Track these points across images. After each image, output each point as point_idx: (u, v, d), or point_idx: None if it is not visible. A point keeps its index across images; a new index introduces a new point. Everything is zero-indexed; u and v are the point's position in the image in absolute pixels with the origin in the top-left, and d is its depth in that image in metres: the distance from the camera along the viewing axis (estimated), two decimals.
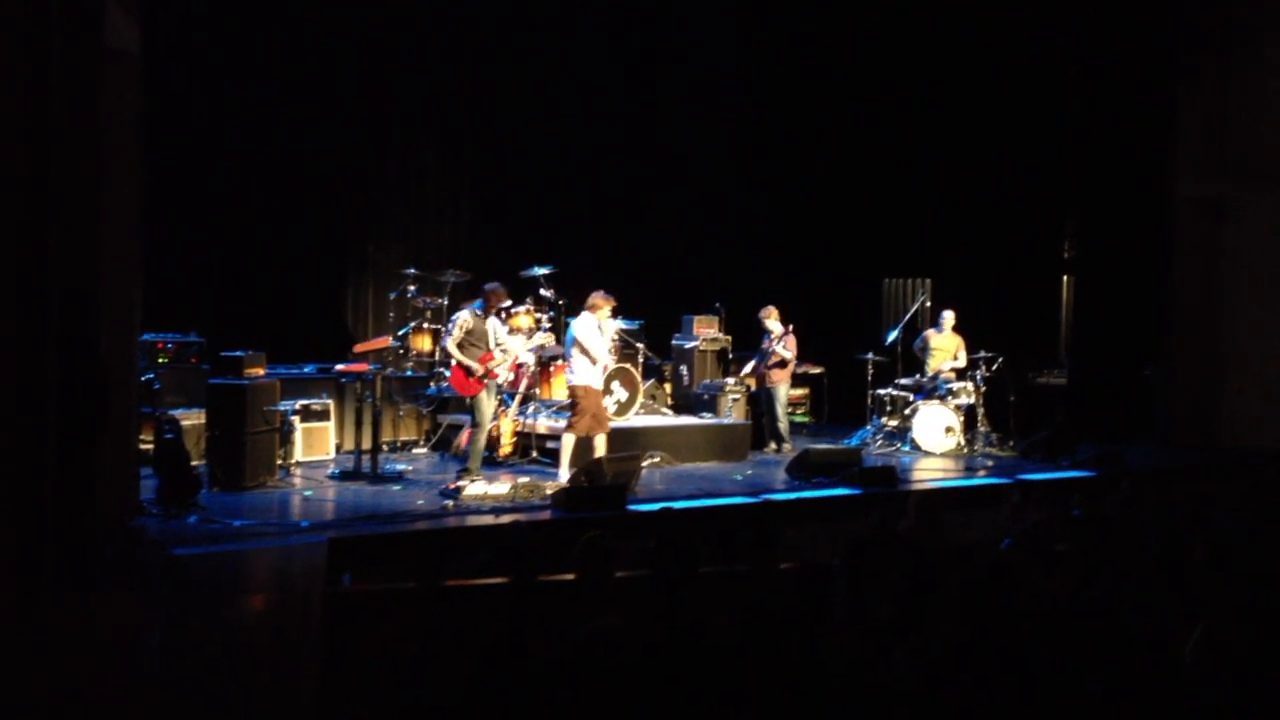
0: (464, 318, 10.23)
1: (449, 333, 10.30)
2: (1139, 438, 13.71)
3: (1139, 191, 14.20)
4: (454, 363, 10.21)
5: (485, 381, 10.11)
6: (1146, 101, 14.06)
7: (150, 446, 9.47)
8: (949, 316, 13.03)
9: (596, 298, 10.29)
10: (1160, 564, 5.78)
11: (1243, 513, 8.09)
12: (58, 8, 6.51)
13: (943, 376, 12.72)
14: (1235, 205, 13.67)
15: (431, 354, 12.37)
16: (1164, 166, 13.99)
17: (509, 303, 11.10)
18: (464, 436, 11.35)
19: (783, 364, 12.41)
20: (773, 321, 12.47)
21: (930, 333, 13.10)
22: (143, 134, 8.67)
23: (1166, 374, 13.99)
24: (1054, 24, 14.34)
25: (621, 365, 11.99)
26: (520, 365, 11.24)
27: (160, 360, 10.77)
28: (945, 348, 12.90)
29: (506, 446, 11.18)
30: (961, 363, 12.80)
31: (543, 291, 12.31)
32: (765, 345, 12.49)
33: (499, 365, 10.24)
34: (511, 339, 10.71)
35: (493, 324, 10.34)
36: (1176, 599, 5.44)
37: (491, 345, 10.22)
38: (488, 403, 10.21)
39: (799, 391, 13.45)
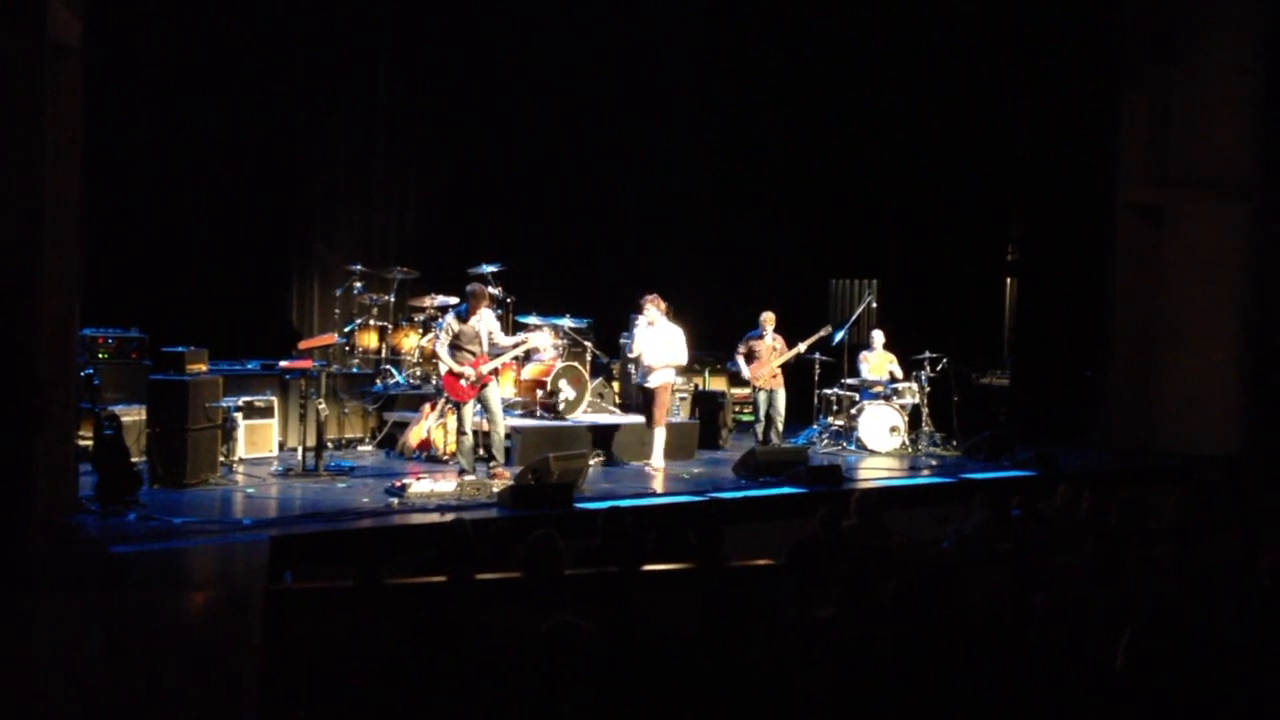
0: (449, 321, 10.16)
1: (438, 336, 10.27)
2: (1078, 439, 13.94)
3: (1081, 197, 14.44)
4: (444, 369, 10.15)
5: (479, 387, 10.04)
6: (1089, 108, 14.28)
7: (90, 443, 9.33)
8: (879, 335, 13.29)
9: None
10: (1095, 565, 5.88)
11: (1177, 516, 8.24)
12: None
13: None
14: (1175, 212, 13.91)
15: (378, 351, 12.30)
16: (1106, 172, 14.20)
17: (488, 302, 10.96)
18: (410, 435, 11.31)
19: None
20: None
21: (864, 354, 13.30)
22: (84, 127, 8.54)
23: (1106, 376, 14.21)
24: (999, 31, 14.52)
25: (569, 364, 12.00)
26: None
27: (101, 355, 10.61)
28: (879, 365, 13.14)
29: (451, 445, 11.12)
30: (900, 374, 12.99)
31: (490, 289, 12.26)
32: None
33: (490, 368, 10.16)
34: (504, 339, 10.61)
35: (484, 323, 10.21)
36: (1111, 600, 5.54)
37: (485, 346, 10.16)
38: (495, 399, 10.15)
39: (744, 391, 13.51)
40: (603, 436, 11.63)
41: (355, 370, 12.18)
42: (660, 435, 11.08)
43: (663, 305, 11.11)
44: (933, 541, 7.59)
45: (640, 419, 11.90)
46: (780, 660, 4.47)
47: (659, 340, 10.97)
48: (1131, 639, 4.15)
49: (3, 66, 7.40)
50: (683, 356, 11.17)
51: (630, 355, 11.36)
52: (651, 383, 10.99)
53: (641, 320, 11.13)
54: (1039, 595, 5.09)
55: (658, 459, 11.04)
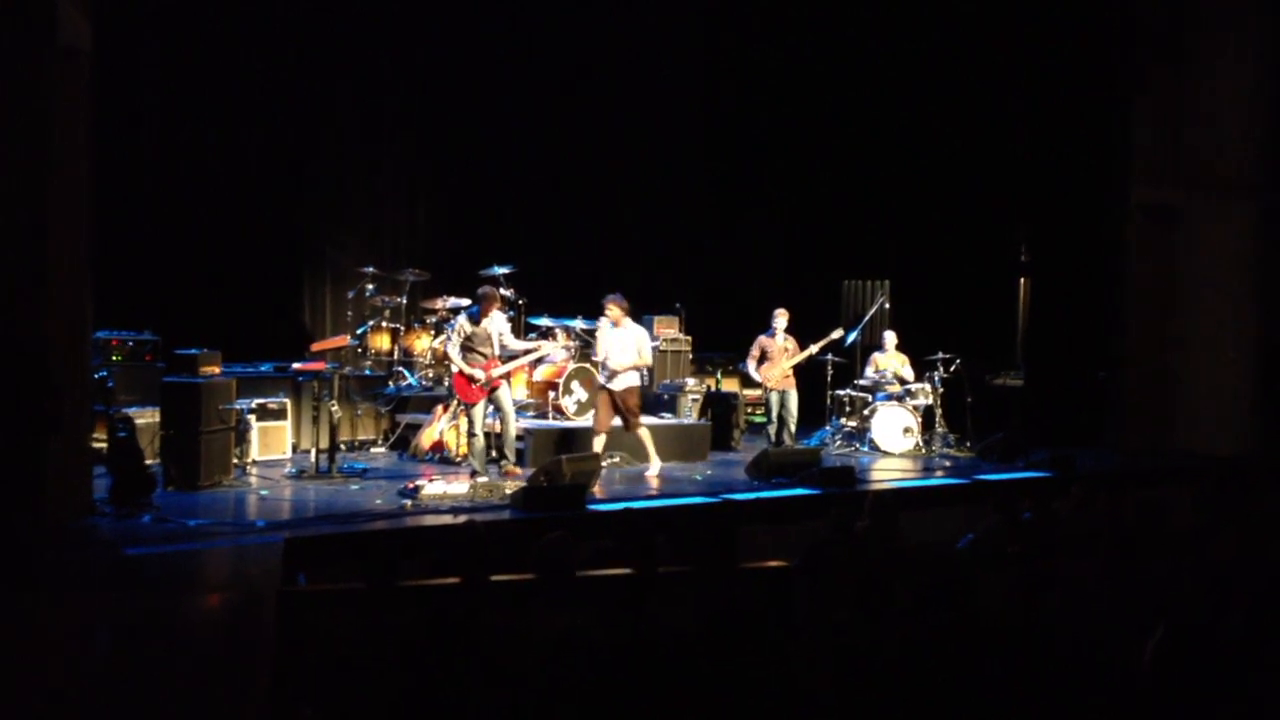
0: (461, 322, 10.20)
1: (449, 338, 10.29)
2: (1093, 441, 13.88)
3: (1094, 197, 14.37)
4: (455, 370, 10.18)
5: (488, 389, 10.07)
6: (1101, 108, 14.22)
7: (103, 445, 9.37)
8: (891, 336, 13.29)
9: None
10: (1109, 567, 5.85)
11: (1193, 516, 8.19)
12: (8, 4, 6.43)
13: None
14: (1188, 212, 13.84)
15: (390, 353, 12.32)
16: (1118, 173, 14.15)
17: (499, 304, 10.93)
18: (422, 436, 11.32)
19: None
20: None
21: (875, 355, 13.30)
22: (95, 130, 8.57)
23: (1120, 378, 14.15)
24: (1008, 31, 14.47)
25: (581, 365, 12.00)
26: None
27: (114, 357, 10.65)
28: (890, 368, 13.11)
29: (463, 447, 11.14)
30: (910, 377, 12.96)
31: (502, 290, 12.27)
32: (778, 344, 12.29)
33: (501, 373, 10.19)
34: (515, 343, 10.59)
35: (495, 325, 10.25)
36: (1124, 602, 5.51)
37: (496, 348, 10.17)
38: (507, 401, 10.20)
39: (757, 393, 13.51)
40: (616, 438, 11.60)
41: (368, 372, 12.20)
42: (648, 436, 10.93)
43: (625, 305, 10.88)
44: (946, 543, 7.56)
45: (654, 420, 11.81)
46: (791, 662, 4.46)
47: (624, 342, 10.75)
48: (1163, 637, 4.11)
49: (13, 69, 7.43)
50: (648, 357, 10.99)
51: (594, 357, 11.25)
52: (617, 385, 10.71)
53: (604, 322, 10.89)
54: (1052, 597, 5.08)
55: (655, 463, 10.91)
